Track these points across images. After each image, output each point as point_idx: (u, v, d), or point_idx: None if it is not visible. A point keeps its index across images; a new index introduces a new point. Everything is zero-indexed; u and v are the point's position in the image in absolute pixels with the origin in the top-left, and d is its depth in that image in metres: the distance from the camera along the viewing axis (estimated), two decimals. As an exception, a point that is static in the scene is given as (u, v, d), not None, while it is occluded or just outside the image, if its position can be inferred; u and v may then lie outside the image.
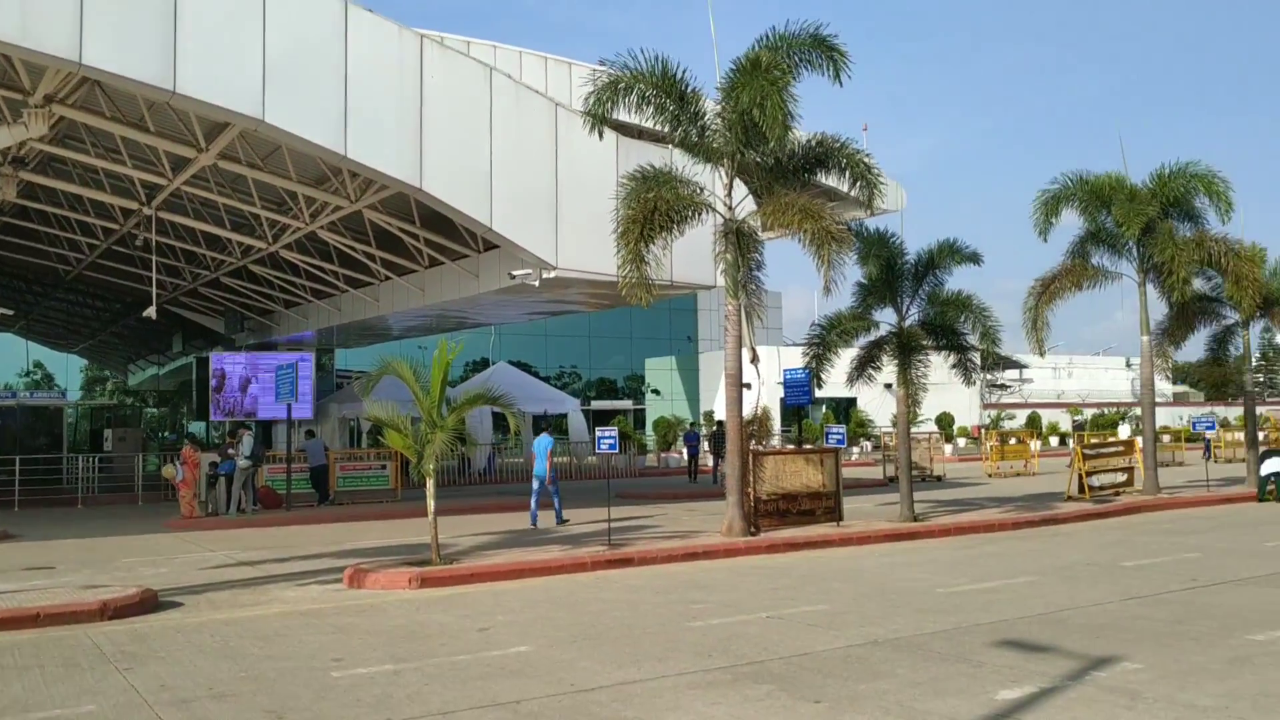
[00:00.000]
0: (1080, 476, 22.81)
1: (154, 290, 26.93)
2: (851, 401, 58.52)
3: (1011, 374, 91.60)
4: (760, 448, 18.19)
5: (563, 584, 13.19)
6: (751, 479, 17.90)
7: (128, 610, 11.26)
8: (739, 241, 16.83)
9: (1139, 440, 24.38)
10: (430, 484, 14.25)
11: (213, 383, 29.27)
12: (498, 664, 8.76)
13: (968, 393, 63.30)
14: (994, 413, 67.81)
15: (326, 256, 28.98)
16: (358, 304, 29.74)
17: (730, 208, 16.96)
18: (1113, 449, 24.47)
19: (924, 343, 18.64)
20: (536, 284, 20.88)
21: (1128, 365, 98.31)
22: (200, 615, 11.35)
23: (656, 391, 68.23)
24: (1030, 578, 13.09)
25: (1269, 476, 23.50)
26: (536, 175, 20.65)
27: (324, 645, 9.64)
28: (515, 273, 20.88)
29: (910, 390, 18.54)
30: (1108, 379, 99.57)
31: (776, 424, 55.55)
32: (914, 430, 43.91)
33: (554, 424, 46.22)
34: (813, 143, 17.00)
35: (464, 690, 7.91)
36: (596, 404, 64.77)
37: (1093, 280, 23.49)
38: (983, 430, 55.48)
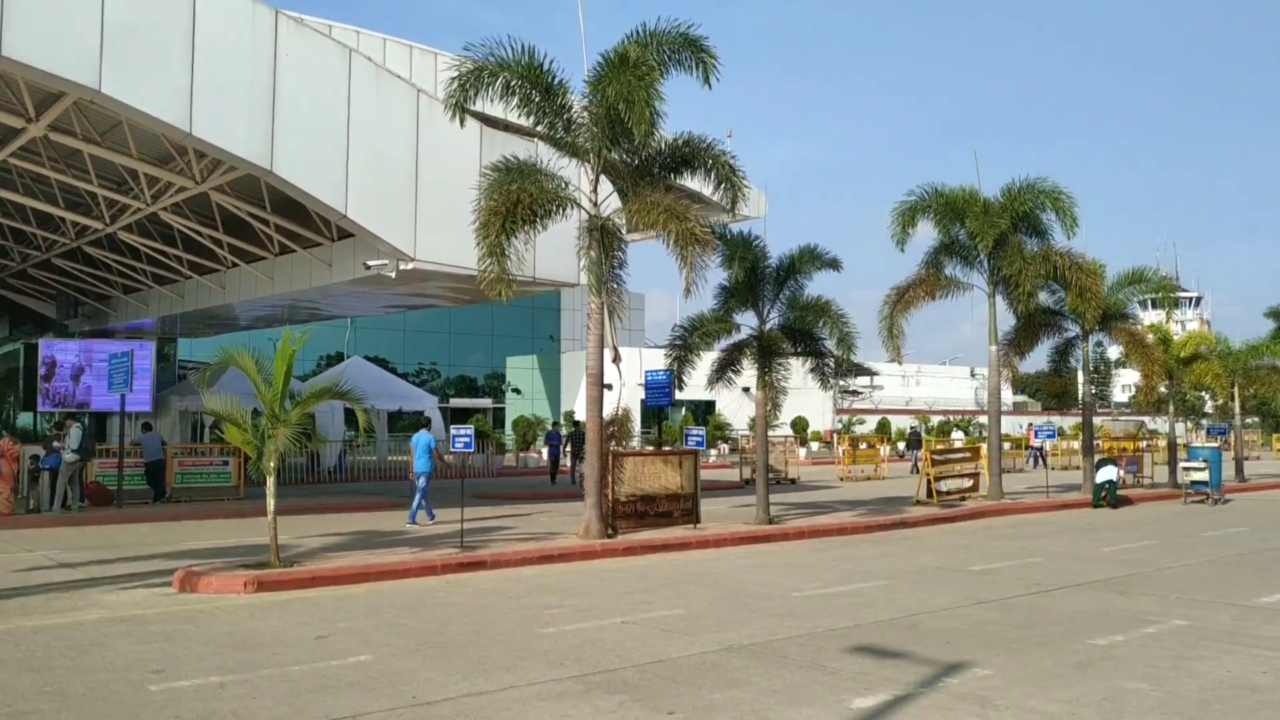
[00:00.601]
0: (929, 481, 23.35)
1: (-25, 270, 25.04)
2: (710, 404, 59.07)
3: (864, 381, 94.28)
4: (620, 449, 17.93)
5: (410, 588, 12.64)
6: (610, 480, 17.65)
7: (-78, 617, 10.24)
8: (603, 239, 16.56)
9: (984, 447, 25.11)
10: (270, 482, 13.50)
11: (41, 371, 27.41)
12: (335, 675, 8.22)
13: (821, 398, 64.82)
14: (846, 418, 69.46)
15: (170, 240, 27.50)
16: (202, 291, 28.33)
17: (595, 204, 16.66)
18: (960, 455, 25.18)
19: (784, 346, 18.71)
20: (393, 275, 20.18)
21: (972, 375, 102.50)
22: (7, 622, 10.39)
23: (518, 390, 67.51)
24: (883, 582, 13.18)
25: (1103, 484, 24.54)
26: (396, 163, 19.97)
27: (144, 655, 8.90)
28: (371, 263, 20.13)
29: (769, 394, 18.59)
30: (954, 387, 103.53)
31: (637, 425, 55.74)
32: (770, 434, 44.64)
33: (412, 422, 45.28)
34: (679, 142, 16.84)
35: (295, 704, 7.36)
36: (456, 402, 63.65)
37: (946, 290, 24.10)
38: (835, 435, 56.76)
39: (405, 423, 43.88)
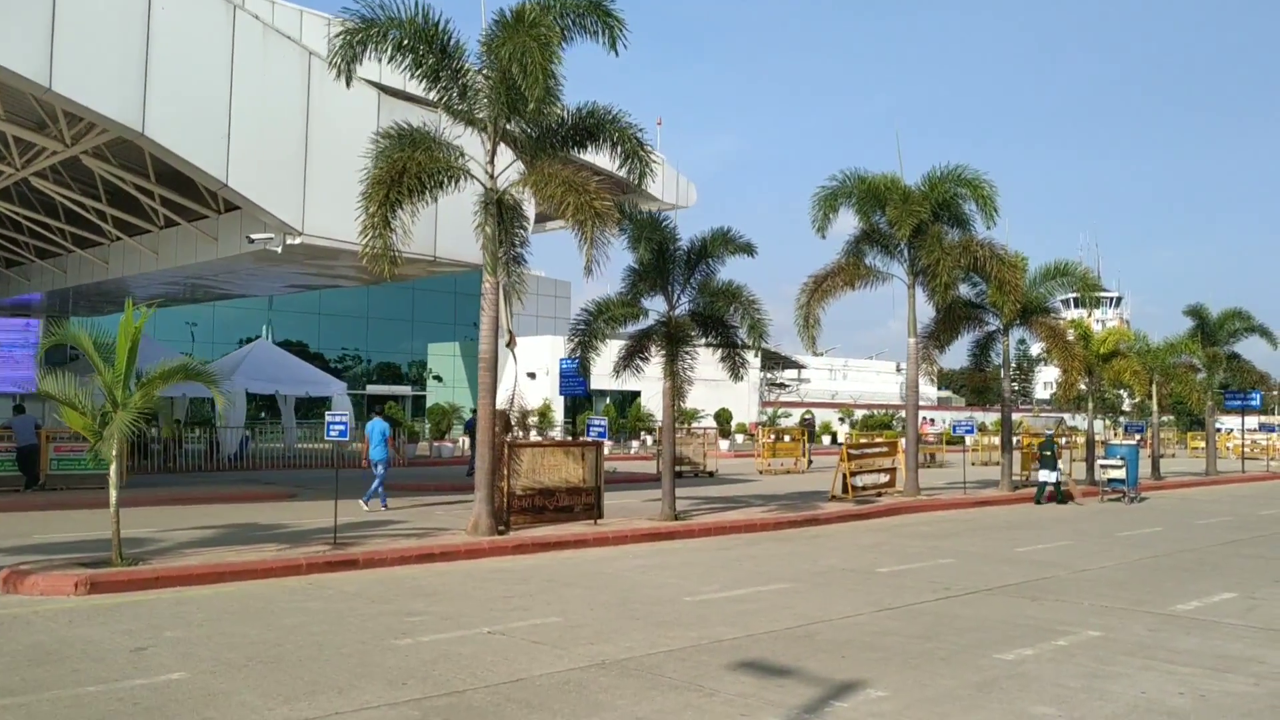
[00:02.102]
0: (844, 476, 22.64)
1: None
2: (636, 394, 58.30)
3: (790, 374, 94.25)
4: (518, 438, 16.87)
5: (264, 590, 11.44)
6: (506, 472, 16.58)
7: None
8: (500, 213, 15.46)
9: (902, 441, 24.46)
10: (113, 470, 12.19)
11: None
12: (133, 698, 7.06)
13: (747, 389, 64.31)
14: (771, 410, 69.05)
15: (52, 212, 25.76)
16: (85, 266, 26.59)
17: (492, 176, 15.53)
18: (877, 450, 24.50)
19: (692, 334, 17.77)
20: (279, 250, 18.84)
21: (898, 370, 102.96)
22: None
23: (439, 378, 65.88)
24: (784, 584, 12.31)
25: (1044, 485, 24.44)
26: (284, 130, 18.63)
27: (-84, 673, 7.64)
28: (254, 236, 18.78)
29: (676, 383, 17.63)
30: (879, 382, 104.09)
31: (559, 416, 54.62)
32: (692, 425, 43.86)
33: (309, 408, 43.63)
34: (583, 113, 15.78)
35: (66, 739, 6.20)
36: (374, 389, 61.84)
37: (866, 280, 23.37)
38: (760, 427, 56.23)
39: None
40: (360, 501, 19.17)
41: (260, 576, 12.16)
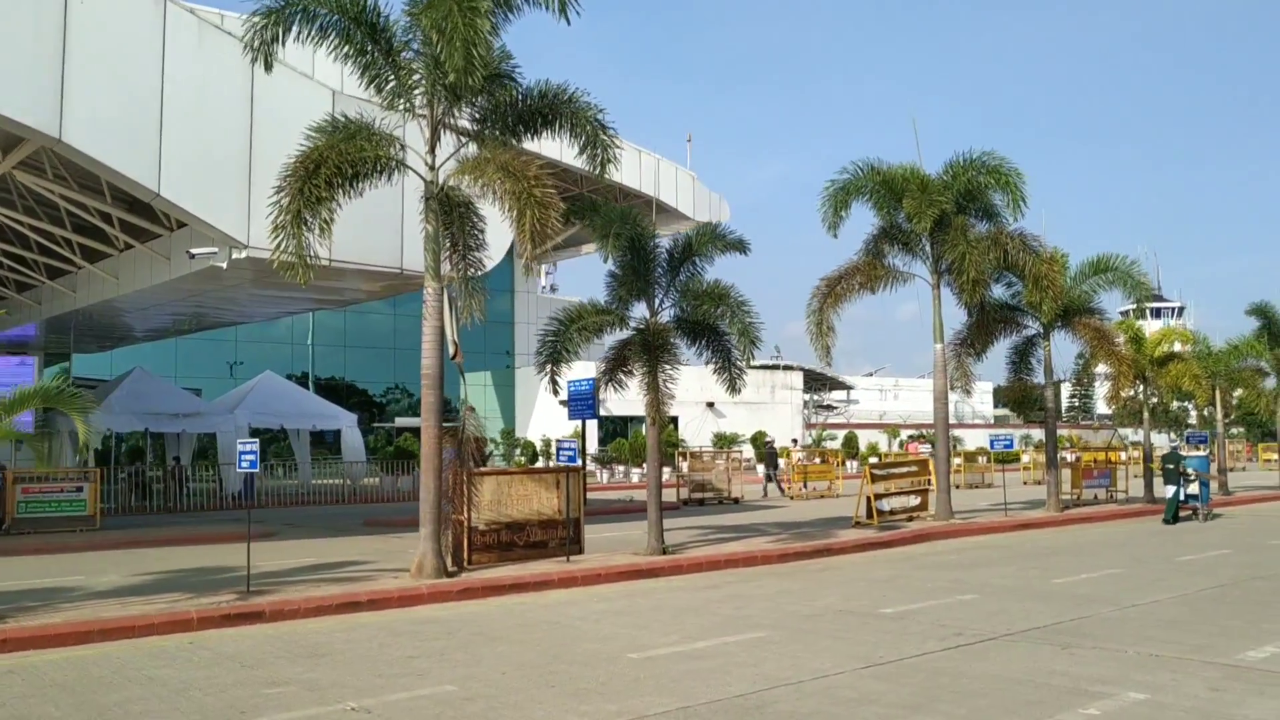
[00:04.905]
0: (869, 500, 20.32)
1: None
2: (673, 420, 56.50)
3: (838, 395, 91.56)
4: (478, 464, 14.89)
5: (129, 652, 9.53)
6: (466, 505, 14.63)
7: None
8: (441, 210, 13.59)
9: (933, 461, 22.10)
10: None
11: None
12: None
13: (789, 411, 61.99)
14: (817, 432, 66.53)
15: (25, 243, 24.47)
16: (56, 297, 25.22)
17: (433, 168, 13.66)
18: (905, 470, 22.13)
19: (673, 340, 15.69)
20: (224, 265, 17.15)
21: (951, 389, 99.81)
22: None
23: (472, 409, 64.37)
24: (760, 633, 10.16)
25: (1173, 501, 22.39)
26: (225, 136, 16.98)
27: None
28: (195, 251, 17.14)
29: (657, 397, 15.51)
30: (931, 401, 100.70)
31: (593, 444, 52.67)
32: (726, 449, 41.58)
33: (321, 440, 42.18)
34: (534, 93, 13.87)
35: None
36: (402, 420, 60.43)
37: (885, 281, 21.15)
38: (800, 450, 53.76)
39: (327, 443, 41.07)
40: None
41: (139, 634, 10.28)
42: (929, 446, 26.59)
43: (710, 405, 55.90)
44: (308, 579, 13.65)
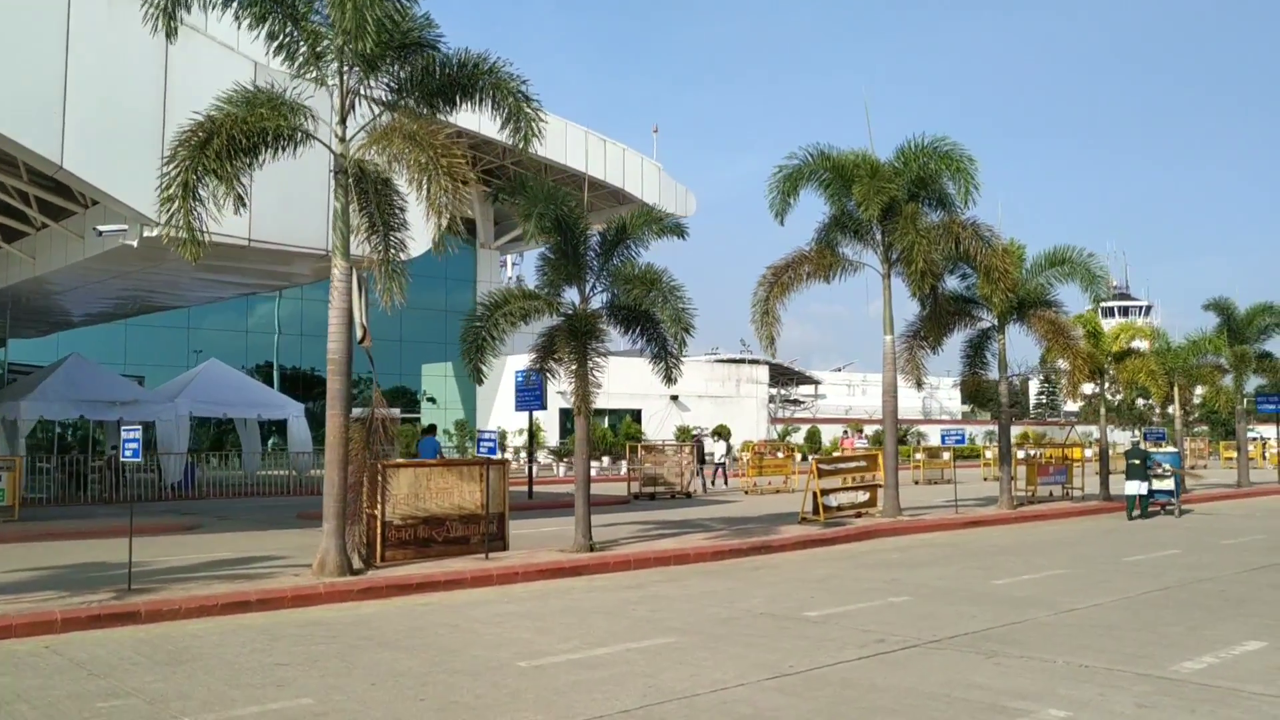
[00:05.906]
0: (815, 496, 19.66)
1: None
2: (636, 413, 55.88)
3: (805, 390, 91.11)
4: (386, 457, 14.07)
5: (-31, 659, 8.71)
6: (380, 498, 13.83)
7: None
8: (356, 186, 12.78)
9: (882, 455, 21.46)
10: None
11: None
12: None
13: (754, 406, 61.41)
14: (782, 427, 66.05)
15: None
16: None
17: (343, 140, 12.83)
18: (853, 464, 21.47)
19: (601, 327, 14.94)
20: (134, 244, 16.26)
21: (919, 385, 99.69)
22: None
23: (432, 400, 63.52)
24: (668, 639, 9.44)
25: (1132, 498, 22.46)
26: (136, 107, 16.12)
27: None
28: (102, 228, 16.23)
29: (584, 386, 14.74)
30: (901, 397, 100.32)
31: (554, 436, 51.87)
32: (665, 440, 40.95)
33: (272, 430, 41.34)
34: (453, 62, 13.05)
35: None
36: (359, 411, 59.39)
37: (835, 270, 20.48)
38: (765, 445, 53.22)
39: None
40: None
41: (-6, 637, 9.45)
42: (864, 441, 26.01)
43: (675, 399, 55.24)
44: (205, 576, 12.83)
